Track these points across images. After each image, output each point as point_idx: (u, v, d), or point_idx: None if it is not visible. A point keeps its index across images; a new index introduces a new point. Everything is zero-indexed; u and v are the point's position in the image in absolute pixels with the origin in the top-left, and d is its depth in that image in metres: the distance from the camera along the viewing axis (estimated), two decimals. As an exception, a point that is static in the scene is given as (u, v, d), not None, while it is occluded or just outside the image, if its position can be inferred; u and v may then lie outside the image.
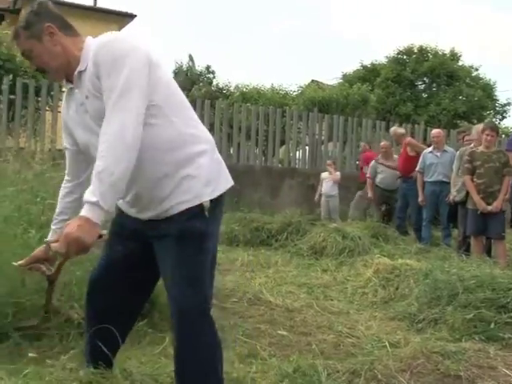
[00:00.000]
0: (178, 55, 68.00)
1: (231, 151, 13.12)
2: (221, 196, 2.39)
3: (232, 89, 24.46)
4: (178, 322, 2.32)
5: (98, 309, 2.54)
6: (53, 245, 2.27)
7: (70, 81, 2.38)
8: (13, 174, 5.30)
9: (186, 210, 2.30)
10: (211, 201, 2.33)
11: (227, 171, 2.49)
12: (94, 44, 2.30)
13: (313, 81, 27.40)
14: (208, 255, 2.37)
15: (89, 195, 2.10)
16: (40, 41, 2.31)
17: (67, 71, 2.35)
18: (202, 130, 2.46)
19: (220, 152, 8.96)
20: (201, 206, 2.32)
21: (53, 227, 2.61)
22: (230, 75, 72.83)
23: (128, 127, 2.13)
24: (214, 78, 25.11)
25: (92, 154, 2.30)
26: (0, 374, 2.65)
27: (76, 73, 2.31)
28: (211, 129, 12.41)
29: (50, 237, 2.56)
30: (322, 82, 27.23)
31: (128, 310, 2.61)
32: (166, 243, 2.33)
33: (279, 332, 4.30)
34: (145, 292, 2.69)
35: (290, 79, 66.80)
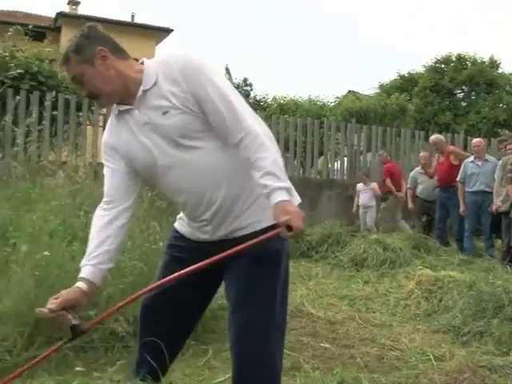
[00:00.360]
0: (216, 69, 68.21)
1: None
2: None
3: (269, 101, 24.56)
4: (243, 343, 2.28)
5: (151, 329, 2.47)
6: (291, 223, 2.03)
7: (124, 104, 2.30)
8: (56, 188, 5.39)
9: (264, 228, 2.24)
10: None
11: (294, 189, 2.39)
12: (164, 62, 2.26)
13: (350, 91, 27.31)
14: (284, 274, 2.35)
15: (278, 182, 2.09)
16: (92, 65, 2.23)
17: (123, 95, 2.28)
18: None
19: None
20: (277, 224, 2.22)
21: (91, 262, 2.31)
22: (267, 87, 72.93)
23: (261, 124, 2.22)
24: (251, 90, 25.27)
25: (160, 170, 2.28)
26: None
27: (140, 92, 2.24)
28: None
29: (87, 275, 2.30)
30: (358, 93, 27.12)
31: (180, 331, 2.57)
32: (240, 263, 2.25)
33: (322, 344, 4.29)
34: (198, 314, 2.65)
35: (327, 90, 66.75)
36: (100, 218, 2.37)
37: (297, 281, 6.78)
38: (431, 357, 3.99)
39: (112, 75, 2.25)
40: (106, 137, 2.43)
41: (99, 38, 2.27)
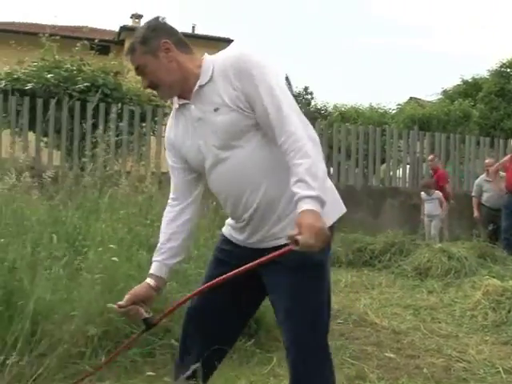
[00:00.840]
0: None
1: (331, 171, 13.09)
2: (335, 222, 2.30)
3: (330, 109, 24.49)
4: (294, 356, 2.26)
5: (196, 334, 2.47)
6: (298, 237, 1.94)
7: (183, 97, 2.33)
8: (122, 198, 5.51)
9: None
10: (330, 226, 2.19)
11: (339, 197, 2.38)
12: (220, 58, 2.28)
13: (411, 98, 26.99)
14: (326, 284, 2.31)
15: (306, 190, 2.00)
16: (155, 56, 2.27)
17: (183, 88, 2.30)
18: None
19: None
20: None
21: (158, 258, 2.43)
22: (328, 95, 72.70)
23: (308, 126, 2.17)
24: (312, 98, 25.24)
25: (207, 168, 2.31)
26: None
27: (196, 87, 2.26)
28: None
29: (155, 271, 2.41)
30: (420, 99, 26.76)
31: (226, 336, 2.54)
32: (281, 273, 2.22)
33: (386, 354, 4.25)
34: (246, 317, 2.62)
35: (389, 97, 66.08)
36: (166, 215, 2.47)
37: (360, 290, 6.75)
38: (500, 369, 3.90)
39: (173, 67, 2.28)
40: (166, 132, 2.49)
41: (165, 31, 2.31)
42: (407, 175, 13.45)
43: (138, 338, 2.59)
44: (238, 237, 2.40)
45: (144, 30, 2.31)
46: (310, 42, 75.63)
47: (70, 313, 3.39)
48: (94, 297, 3.57)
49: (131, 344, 2.59)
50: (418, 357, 4.27)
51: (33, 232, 4.14)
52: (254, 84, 2.16)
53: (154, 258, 2.43)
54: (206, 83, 2.25)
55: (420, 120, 18.21)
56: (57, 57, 12.32)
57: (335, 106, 23.65)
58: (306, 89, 24.48)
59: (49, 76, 11.65)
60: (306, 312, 2.23)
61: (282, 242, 2.18)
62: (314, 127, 9.17)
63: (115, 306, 2.35)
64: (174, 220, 2.44)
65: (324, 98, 45.56)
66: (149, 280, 2.40)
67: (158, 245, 2.44)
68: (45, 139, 11.27)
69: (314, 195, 1.99)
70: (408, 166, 13.49)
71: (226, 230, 2.49)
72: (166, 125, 2.62)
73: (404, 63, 75.50)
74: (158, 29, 2.31)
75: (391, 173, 13.44)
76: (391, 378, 3.66)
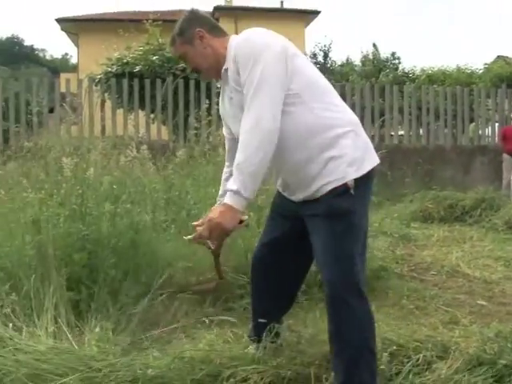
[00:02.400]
0: (363, 45, 67.24)
1: (421, 132, 12.86)
2: (367, 174, 2.35)
3: (418, 72, 23.81)
4: (328, 298, 2.33)
5: (262, 284, 2.66)
6: (197, 228, 2.33)
7: (220, 77, 2.46)
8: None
9: (332, 189, 2.29)
10: (357, 179, 2.29)
11: (373, 151, 2.44)
12: (234, 42, 2.37)
13: (499, 56, 25.77)
14: (357, 232, 2.36)
15: (231, 184, 2.22)
16: (192, 45, 2.43)
17: (218, 69, 2.43)
18: (345, 113, 2.41)
19: (409, 134, 9.06)
20: (345, 185, 2.29)
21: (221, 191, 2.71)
22: (415, 59, 70.55)
23: (264, 118, 2.19)
24: (399, 63, 24.64)
25: None
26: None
27: (223, 70, 2.39)
28: (400, 112, 12.29)
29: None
30: (508, 57, 25.51)
31: (288, 284, 2.70)
32: (316, 222, 2.35)
33: (478, 302, 4.26)
34: (304, 268, 2.73)
35: (475, 57, 63.28)
36: (223, 174, 2.75)
37: (452, 244, 6.69)
38: None
39: (208, 53, 2.44)
40: (220, 107, 2.65)
41: (198, 20, 2.46)
42: (496, 133, 13.00)
43: (218, 267, 2.62)
44: (283, 193, 2.56)
45: (180, 22, 2.47)
46: (397, 7, 73.26)
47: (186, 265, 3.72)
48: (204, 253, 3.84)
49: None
50: (509, 304, 4.24)
51: (151, 199, 4.43)
52: (244, 68, 2.25)
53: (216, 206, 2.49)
54: (227, 66, 2.37)
55: (508, 78, 17.43)
56: (160, 40, 12.71)
57: (422, 70, 23.00)
58: (393, 54, 23.95)
59: (154, 58, 12.07)
60: (335, 251, 2.30)
61: (319, 193, 2.31)
62: (403, 91, 9.14)
63: (186, 238, 2.47)
64: (227, 180, 2.63)
65: (411, 62, 44.23)
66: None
67: (218, 197, 2.71)
68: (152, 116, 11.69)
69: (234, 189, 2.19)
70: (497, 124, 13.04)
71: (278, 186, 2.62)
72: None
73: (490, 22, 71.83)
74: (192, 19, 2.46)
75: (480, 131, 13.03)
76: (483, 323, 3.68)
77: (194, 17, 2.48)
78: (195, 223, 2.47)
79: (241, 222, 2.30)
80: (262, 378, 2.46)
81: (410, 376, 2.49)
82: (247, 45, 2.31)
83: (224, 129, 2.68)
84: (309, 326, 3.13)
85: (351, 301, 2.30)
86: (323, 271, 2.38)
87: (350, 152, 2.31)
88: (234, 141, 2.49)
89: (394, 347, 2.64)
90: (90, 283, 3.39)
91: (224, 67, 2.38)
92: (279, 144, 2.24)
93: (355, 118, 2.43)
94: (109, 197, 3.94)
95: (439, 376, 2.48)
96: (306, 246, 2.44)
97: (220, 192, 2.71)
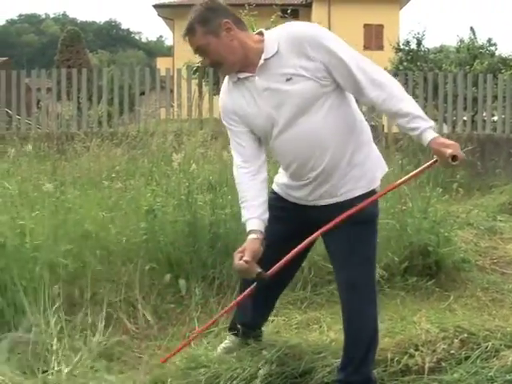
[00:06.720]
0: (459, 31, 64.69)
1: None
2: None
3: (515, 58, 22.96)
4: (348, 295, 2.46)
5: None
6: (456, 153, 2.14)
7: (243, 72, 2.35)
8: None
9: (362, 195, 2.36)
10: None
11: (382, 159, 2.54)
12: (282, 33, 2.32)
13: None
14: (377, 235, 2.50)
15: (426, 122, 2.21)
16: (217, 36, 2.28)
17: (243, 63, 2.33)
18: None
19: (503, 123, 8.95)
20: (374, 191, 2.39)
21: (254, 215, 2.39)
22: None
23: (385, 75, 2.30)
24: (496, 49, 23.84)
25: (275, 134, 2.37)
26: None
27: (262, 61, 2.28)
28: (493, 102, 12.02)
29: (257, 226, 2.39)
30: None
31: (279, 286, 2.79)
32: (341, 227, 2.33)
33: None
34: (295, 268, 2.80)
35: None
36: (243, 173, 2.46)
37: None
38: None
39: (235, 45, 2.30)
40: (225, 102, 2.49)
41: (223, 11, 2.33)
42: None
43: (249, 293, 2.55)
44: (295, 194, 2.49)
45: (201, 10, 2.30)
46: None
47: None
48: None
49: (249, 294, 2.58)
50: None
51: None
52: (333, 53, 2.24)
53: (249, 216, 2.40)
54: (271, 56, 2.28)
55: None
56: (255, 28, 12.90)
57: (520, 56, 22.16)
58: (489, 40, 23.13)
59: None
60: (360, 254, 2.41)
61: (339, 199, 2.38)
62: (497, 79, 9.15)
63: (242, 262, 2.31)
64: (254, 178, 2.44)
65: (508, 48, 42.41)
66: (255, 235, 2.37)
67: (248, 202, 2.42)
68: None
69: (432, 126, 2.22)
70: None
71: (278, 188, 2.59)
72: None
73: None
74: (217, 9, 2.31)
75: None
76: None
77: (218, 7, 2.33)
78: (237, 252, 2.36)
79: None
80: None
81: (478, 361, 2.70)
82: (313, 28, 2.34)
83: (238, 125, 2.46)
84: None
85: (368, 300, 2.47)
86: (344, 272, 2.46)
87: (376, 157, 2.49)
88: (255, 137, 2.45)
89: (466, 334, 2.85)
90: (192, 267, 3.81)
91: (263, 57, 2.29)
92: (335, 133, 2.32)
93: None
94: (209, 188, 4.32)
95: (506, 363, 2.67)
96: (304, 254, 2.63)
97: (251, 193, 2.42)
